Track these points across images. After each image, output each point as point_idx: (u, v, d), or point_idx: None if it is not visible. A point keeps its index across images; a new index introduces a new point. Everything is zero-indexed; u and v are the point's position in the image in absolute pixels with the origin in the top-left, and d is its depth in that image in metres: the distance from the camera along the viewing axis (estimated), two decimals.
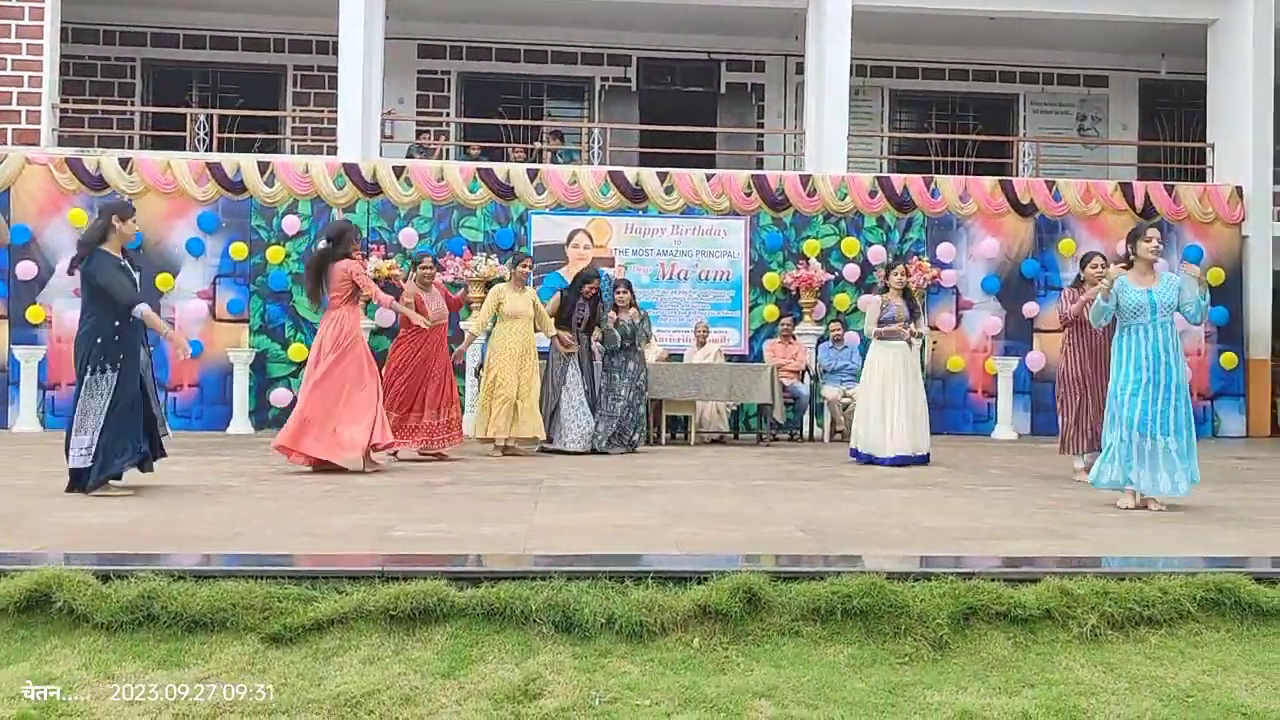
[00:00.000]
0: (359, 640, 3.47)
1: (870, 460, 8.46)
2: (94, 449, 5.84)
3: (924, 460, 8.53)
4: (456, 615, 3.55)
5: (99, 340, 5.87)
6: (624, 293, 9.85)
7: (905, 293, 8.66)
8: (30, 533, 4.58)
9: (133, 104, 14.51)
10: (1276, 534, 5.07)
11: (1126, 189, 12.83)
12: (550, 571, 3.78)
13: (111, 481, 5.96)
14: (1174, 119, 15.89)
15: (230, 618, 3.47)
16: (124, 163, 11.75)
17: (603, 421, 9.43)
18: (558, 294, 9.80)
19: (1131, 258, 6.09)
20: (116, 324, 5.89)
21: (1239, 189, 12.86)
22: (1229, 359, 12.70)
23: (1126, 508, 5.92)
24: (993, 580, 3.83)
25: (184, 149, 12.70)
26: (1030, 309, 12.43)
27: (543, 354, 9.60)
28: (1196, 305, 6.02)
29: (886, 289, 8.64)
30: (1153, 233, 6.08)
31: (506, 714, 3.14)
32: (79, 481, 5.90)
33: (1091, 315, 6.16)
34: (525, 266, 9.23)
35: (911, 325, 8.56)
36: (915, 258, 12.21)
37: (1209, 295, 6.19)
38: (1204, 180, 13.43)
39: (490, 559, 4.08)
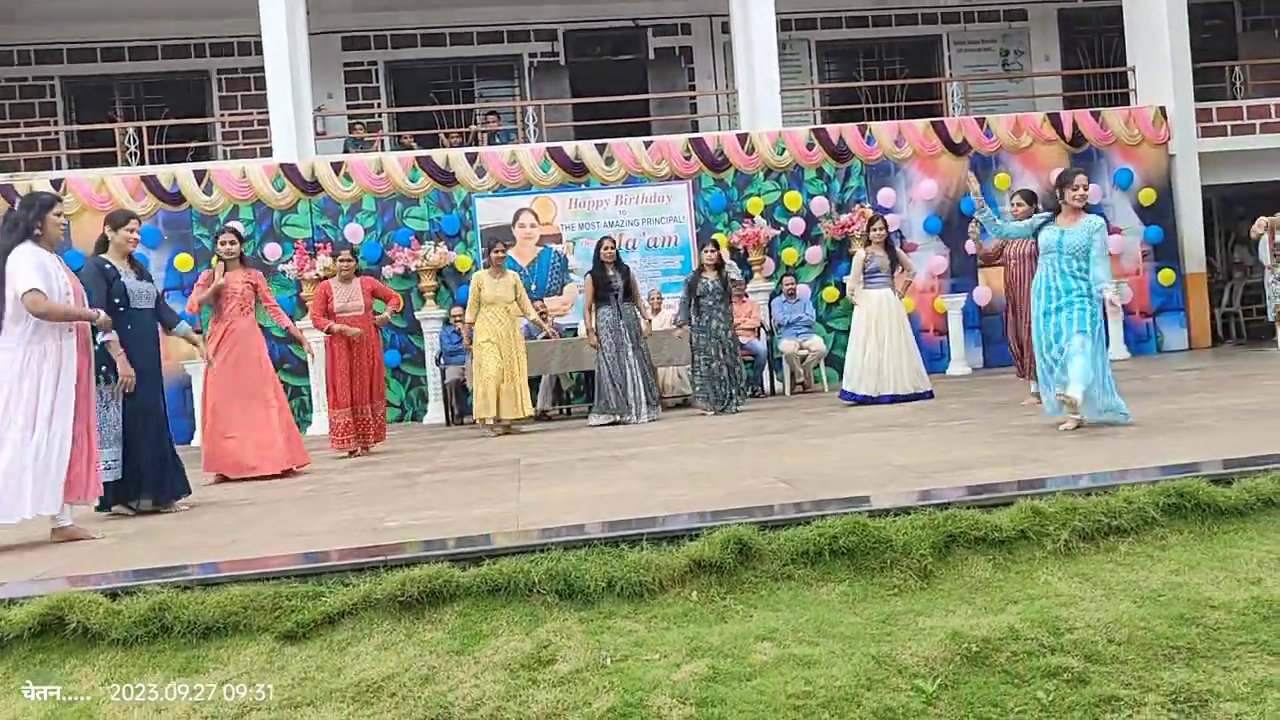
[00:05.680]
0: (371, 629, 3.56)
1: (865, 400, 8.90)
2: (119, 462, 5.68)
3: (929, 396, 8.97)
4: (463, 594, 3.65)
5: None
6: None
7: (886, 244, 9.11)
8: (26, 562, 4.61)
9: (56, 123, 14.26)
10: (1226, 438, 5.32)
11: (1054, 119, 13.11)
12: (548, 544, 3.90)
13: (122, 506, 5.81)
14: (1094, 46, 16.23)
15: (243, 620, 3.55)
16: (56, 184, 11.57)
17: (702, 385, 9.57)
18: (587, 276, 9.64)
19: (1060, 202, 6.31)
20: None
21: (1162, 109, 13.18)
22: (1167, 275, 13.07)
23: (1066, 429, 6.10)
24: (968, 508, 4.01)
25: (115, 164, 12.54)
26: (972, 245, 12.67)
27: (529, 336, 9.81)
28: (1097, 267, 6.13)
29: (869, 243, 9.12)
30: (1080, 179, 6.30)
31: (523, 682, 3.26)
32: (103, 501, 5.64)
33: (1001, 232, 6.85)
34: (500, 252, 9.36)
35: (899, 273, 9.09)
36: (857, 205, 12.43)
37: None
38: (1128, 103, 13.73)
39: (490, 537, 4.19)
